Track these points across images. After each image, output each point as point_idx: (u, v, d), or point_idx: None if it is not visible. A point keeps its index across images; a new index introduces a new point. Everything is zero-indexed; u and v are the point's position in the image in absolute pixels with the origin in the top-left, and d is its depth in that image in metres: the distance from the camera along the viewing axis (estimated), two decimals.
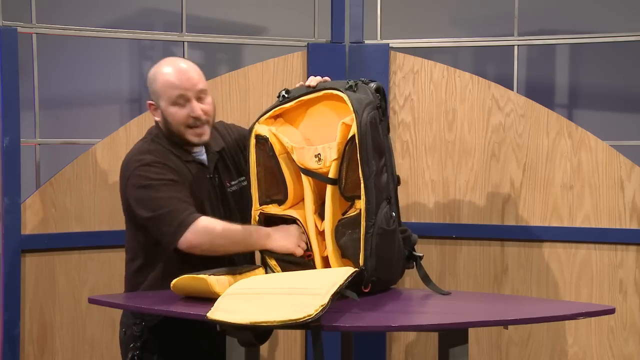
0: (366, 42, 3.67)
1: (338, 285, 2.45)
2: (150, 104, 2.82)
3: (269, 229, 2.75)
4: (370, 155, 2.69)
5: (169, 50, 4.72)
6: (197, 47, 4.67)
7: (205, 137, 2.79)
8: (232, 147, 2.94)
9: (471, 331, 2.52)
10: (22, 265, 3.27)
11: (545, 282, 3.51)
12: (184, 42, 3.67)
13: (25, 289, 3.29)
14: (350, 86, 2.76)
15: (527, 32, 3.80)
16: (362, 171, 2.68)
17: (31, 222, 3.29)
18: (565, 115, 4.59)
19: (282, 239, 2.72)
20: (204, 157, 2.84)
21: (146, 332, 2.75)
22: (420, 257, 2.86)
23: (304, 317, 2.25)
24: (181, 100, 2.75)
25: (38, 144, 3.43)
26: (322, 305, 2.29)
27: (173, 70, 2.78)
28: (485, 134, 3.57)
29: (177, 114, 2.76)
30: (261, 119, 2.83)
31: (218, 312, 2.36)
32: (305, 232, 2.75)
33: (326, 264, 2.82)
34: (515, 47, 3.65)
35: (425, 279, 2.84)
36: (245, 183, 2.88)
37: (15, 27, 3.26)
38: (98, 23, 4.08)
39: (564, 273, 3.49)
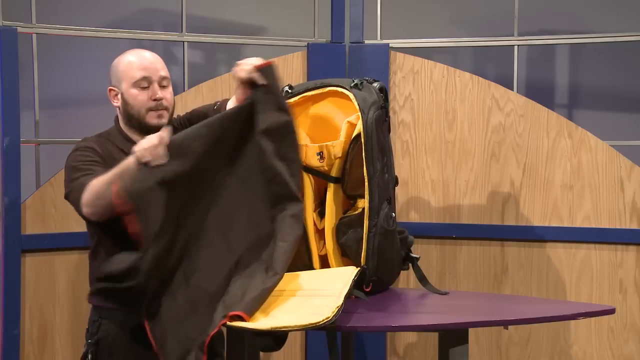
0: (366, 42, 3.67)
1: (349, 286, 2.46)
2: (111, 90, 2.79)
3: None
4: (375, 154, 2.70)
5: (169, 50, 4.72)
6: (197, 47, 4.67)
7: (164, 120, 2.76)
8: None
9: (471, 331, 2.53)
10: (22, 265, 3.27)
11: (545, 282, 3.51)
12: (184, 42, 3.67)
13: (25, 289, 3.29)
14: (356, 84, 2.77)
15: (527, 32, 3.80)
16: (366, 170, 2.69)
17: (31, 222, 3.29)
18: (565, 115, 4.59)
19: (143, 149, 2.49)
20: None
21: (102, 330, 2.74)
22: (417, 259, 2.87)
23: (324, 320, 2.26)
24: (144, 82, 2.73)
25: (38, 144, 3.43)
26: (337, 307, 2.30)
27: (137, 56, 2.79)
28: (485, 134, 3.57)
29: (139, 96, 2.74)
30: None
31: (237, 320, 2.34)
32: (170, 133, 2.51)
33: (324, 262, 2.82)
34: (515, 47, 3.65)
35: (423, 280, 2.85)
36: None
37: (15, 27, 3.26)
38: (98, 23, 4.07)
39: (564, 273, 3.49)
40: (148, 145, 2.47)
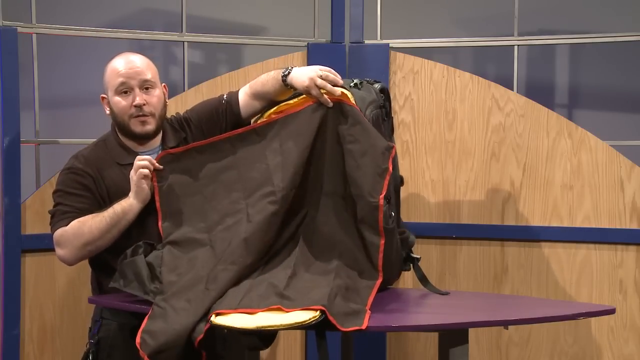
0: (366, 42, 3.67)
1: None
2: (103, 97, 2.79)
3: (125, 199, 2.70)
4: None
5: (169, 50, 4.72)
6: (197, 47, 4.67)
7: (149, 127, 2.73)
8: (195, 136, 2.85)
9: (471, 331, 2.53)
10: (22, 265, 3.27)
11: (545, 282, 3.51)
12: (184, 42, 3.67)
13: (25, 289, 3.29)
14: (355, 84, 2.77)
15: (527, 32, 3.80)
16: None
17: (31, 222, 3.29)
18: (565, 115, 4.59)
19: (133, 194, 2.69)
20: (154, 155, 2.77)
21: (102, 330, 2.76)
22: (418, 259, 2.87)
23: (309, 320, 2.25)
24: (124, 88, 2.71)
25: (38, 144, 3.43)
26: (323, 306, 2.29)
27: (121, 61, 2.75)
28: (485, 134, 3.57)
29: (120, 103, 2.72)
30: (265, 114, 2.83)
31: (222, 317, 2.34)
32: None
33: None
34: (515, 47, 3.65)
35: (423, 280, 2.85)
36: None
37: (15, 27, 3.26)
38: (98, 23, 4.07)
39: (564, 273, 3.49)
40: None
